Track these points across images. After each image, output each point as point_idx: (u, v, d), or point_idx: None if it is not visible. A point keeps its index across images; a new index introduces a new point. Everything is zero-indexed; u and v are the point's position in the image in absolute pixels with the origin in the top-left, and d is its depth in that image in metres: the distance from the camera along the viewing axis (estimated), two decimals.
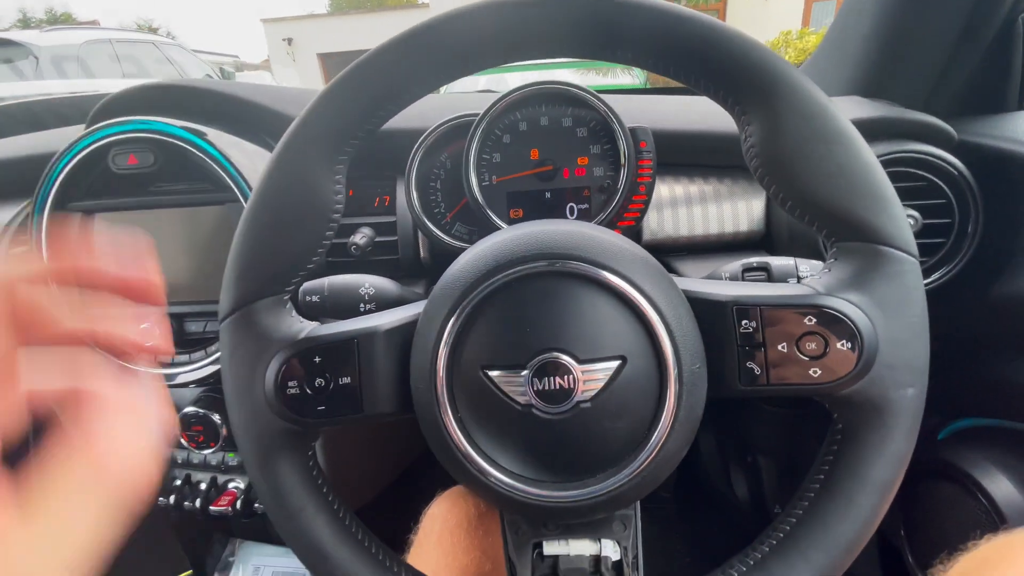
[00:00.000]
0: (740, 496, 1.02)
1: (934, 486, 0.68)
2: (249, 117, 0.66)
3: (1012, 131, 0.60)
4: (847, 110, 0.64)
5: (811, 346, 0.33)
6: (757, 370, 0.34)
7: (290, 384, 0.35)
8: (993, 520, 0.59)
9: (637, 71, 2.89)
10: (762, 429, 0.96)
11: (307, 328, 0.37)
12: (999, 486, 0.60)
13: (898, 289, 0.33)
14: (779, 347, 0.33)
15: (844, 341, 0.32)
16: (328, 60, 13.85)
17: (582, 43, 0.34)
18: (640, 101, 0.72)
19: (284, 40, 14.00)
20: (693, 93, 0.39)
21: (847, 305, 0.32)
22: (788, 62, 0.33)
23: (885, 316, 0.32)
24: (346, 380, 0.35)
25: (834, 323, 0.32)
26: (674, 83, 0.37)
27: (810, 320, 0.33)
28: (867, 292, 0.32)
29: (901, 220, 0.33)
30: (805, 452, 0.89)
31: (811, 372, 0.33)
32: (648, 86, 2.41)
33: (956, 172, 0.58)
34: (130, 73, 4.78)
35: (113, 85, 0.63)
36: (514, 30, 0.34)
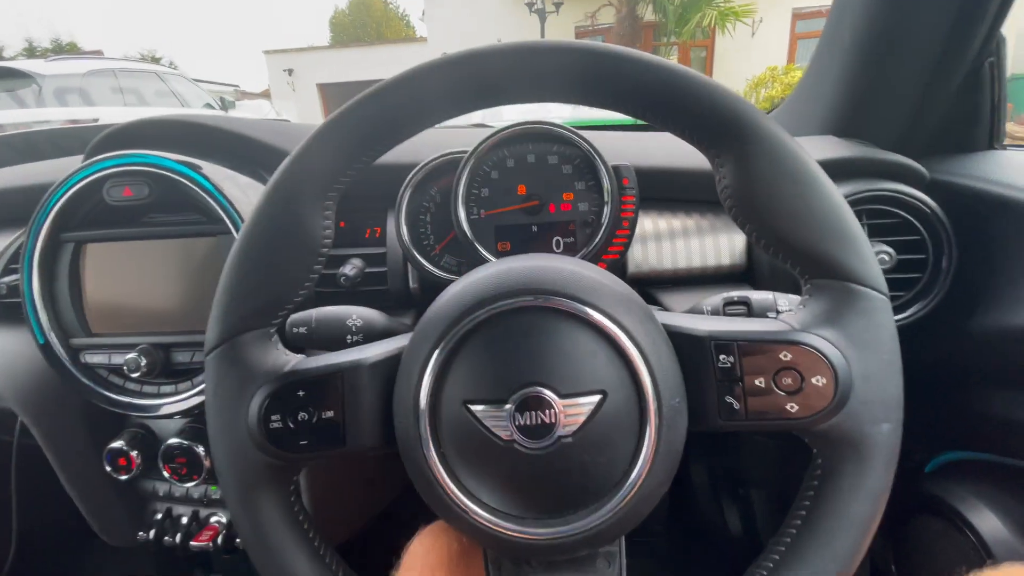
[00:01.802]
0: (733, 529, 1.00)
1: (923, 521, 0.67)
2: (244, 151, 0.67)
3: (982, 170, 0.63)
4: (821, 150, 0.66)
5: (787, 381, 0.33)
6: (736, 404, 0.34)
7: (273, 418, 0.35)
8: (980, 555, 0.59)
9: None
10: (754, 462, 0.96)
11: (292, 361, 0.37)
12: (986, 521, 0.60)
13: (869, 325, 0.33)
14: (756, 381, 0.34)
15: (819, 376, 0.33)
16: (327, 90, 14.12)
17: (560, 89, 0.36)
18: (624, 138, 0.74)
19: (285, 71, 14.29)
20: None
21: (821, 341, 0.33)
22: (756, 108, 0.34)
23: (858, 352, 0.33)
24: (329, 414, 0.35)
25: (809, 359, 0.33)
26: None
27: (785, 355, 0.33)
28: (840, 328, 0.33)
29: (870, 258, 0.34)
30: (797, 485, 0.89)
31: (788, 407, 0.33)
32: (637, 120, 2.47)
33: (929, 210, 0.60)
34: (131, 103, 4.84)
35: (113, 114, 0.65)
36: (496, 77, 0.35)
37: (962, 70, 0.65)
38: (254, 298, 0.36)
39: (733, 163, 0.34)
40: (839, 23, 0.70)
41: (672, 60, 0.35)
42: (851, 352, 0.33)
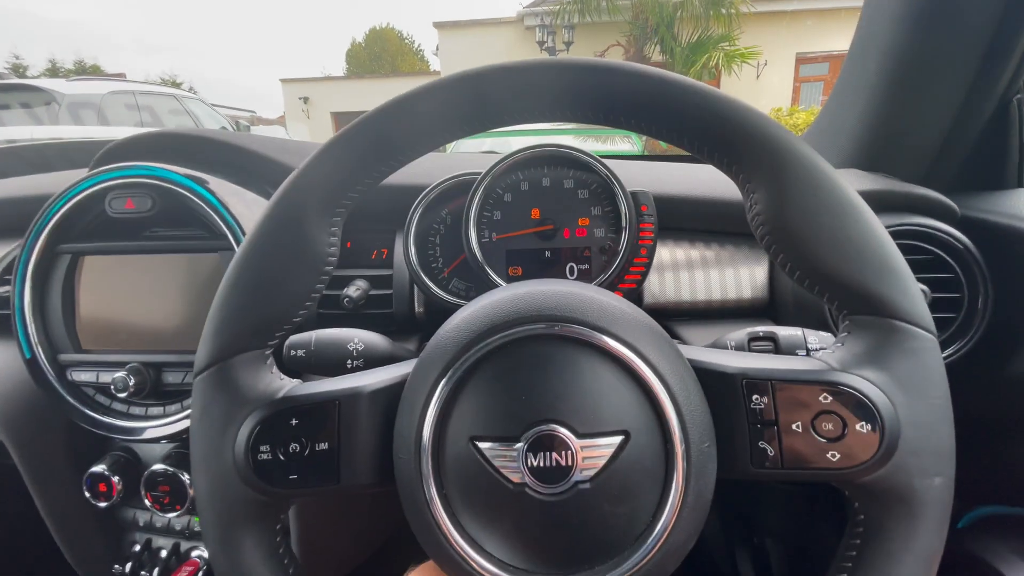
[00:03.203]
0: None
1: None
2: (252, 167, 0.66)
3: (1013, 208, 0.60)
4: (848, 183, 0.64)
5: (828, 426, 0.30)
6: (770, 451, 0.31)
7: (262, 448, 0.32)
8: None
9: (635, 139, 3.01)
10: (770, 509, 0.92)
11: (286, 387, 0.34)
12: None
13: (918, 367, 0.31)
14: (793, 426, 0.31)
15: (863, 423, 0.30)
16: (341, 118, 14.48)
17: (587, 109, 0.34)
18: (641, 166, 0.73)
19: (300, 99, 14.70)
20: (691, 161, 0.39)
21: (864, 383, 0.30)
22: (793, 133, 0.33)
23: (906, 396, 0.30)
24: (323, 446, 0.33)
25: (852, 402, 0.30)
26: (670, 152, 0.36)
27: (825, 398, 0.30)
28: (885, 370, 0.30)
29: (916, 294, 0.31)
30: (817, 535, 0.84)
31: (829, 455, 0.30)
32: (644, 153, 2.49)
33: (962, 246, 0.57)
34: (146, 123, 4.95)
35: (126, 133, 0.64)
36: (517, 95, 0.33)
37: (990, 107, 0.64)
38: (250, 317, 0.34)
39: (767, 189, 0.32)
40: (864, 56, 0.70)
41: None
42: (898, 396, 0.30)
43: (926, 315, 0.31)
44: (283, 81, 15.10)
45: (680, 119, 0.33)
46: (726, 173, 0.34)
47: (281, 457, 0.32)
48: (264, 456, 0.32)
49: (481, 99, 0.33)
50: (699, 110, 0.32)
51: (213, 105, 6.69)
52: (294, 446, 0.32)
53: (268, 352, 0.36)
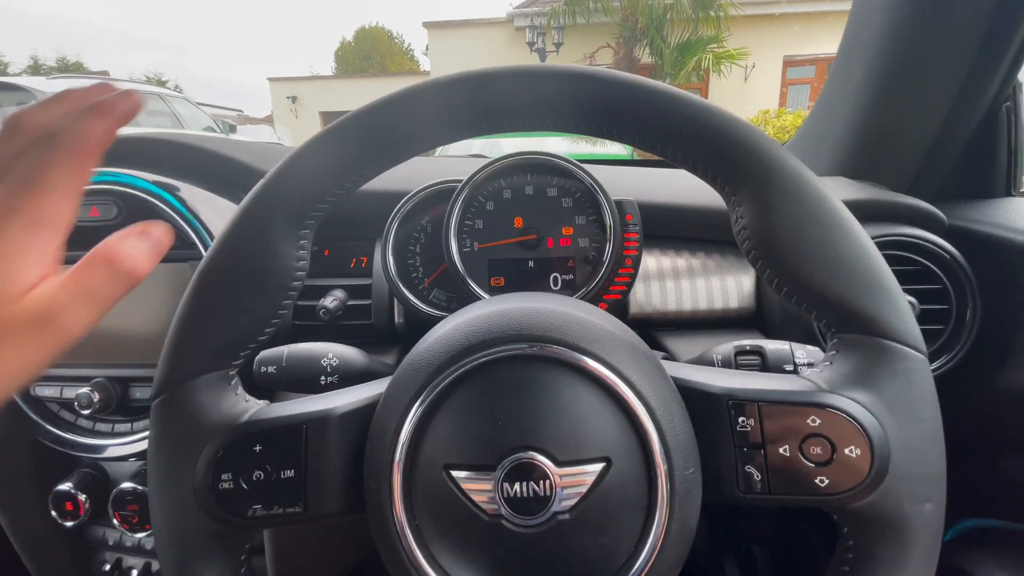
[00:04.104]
0: None
1: None
2: (224, 173, 0.64)
3: (1002, 217, 0.60)
4: (834, 192, 0.63)
5: (816, 450, 0.29)
6: (757, 475, 0.30)
7: (224, 477, 0.31)
8: None
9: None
10: (757, 516, 0.91)
11: (251, 409, 0.33)
12: None
13: (908, 389, 0.30)
14: (780, 450, 0.30)
15: (853, 447, 0.29)
16: (329, 117, 14.22)
17: (569, 118, 0.33)
18: (626, 173, 0.72)
19: (288, 98, 14.54)
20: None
21: (854, 405, 0.29)
22: (779, 144, 0.32)
23: (896, 419, 0.29)
24: (289, 473, 0.31)
25: (840, 425, 0.29)
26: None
27: (814, 420, 0.29)
28: (874, 391, 0.29)
29: (906, 313, 0.30)
30: (804, 541, 0.84)
31: (817, 481, 0.29)
32: (634, 157, 2.50)
33: (949, 257, 0.56)
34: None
35: None
36: (500, 100, 0.32)
37: (978, 114, 0.64)
38: (211, 337, 0.32)
39: (753, 202, 0.31)
40: (851, 62, 0.69)
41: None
42: (888, 419, 0.29)
43: (916, 334, 0.30)
44: (271, 80, 14.94)
45: (662, 130, 0.32)
46: (712, 185, 0.33)
47: (244, 485, 0.31)
48: (226, 484, 0.31)
49: (478, 102, 0.32)
50: (684, 120, 0.31)
51: (199, 104, 6.59)
52: (258, 473, 0.31)
53: (232, 372, 0.34)
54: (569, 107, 0.32)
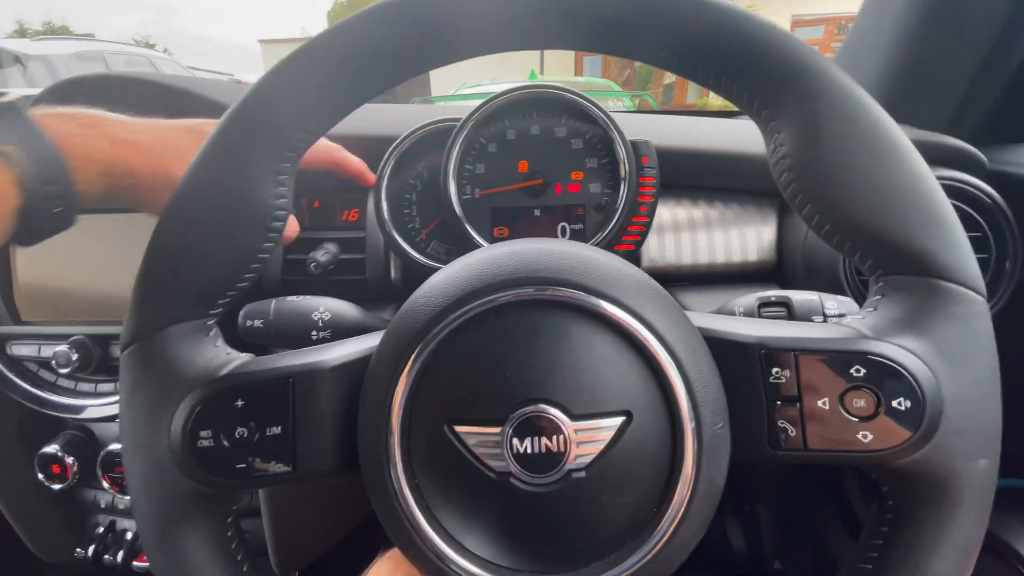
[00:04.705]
0: (737, 549, 0.95)
1: None
2: (193, 111, 0.59)
3: None
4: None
5: (859, 403, 0.27)
6: (791, 431, 0.28)
7: (203, 434, 0.28)
8: None
9: (627, 101, 2.93)
10: (761, 475, 0.90)
11: (233, 362, 0.30)
12: None
13: (965, 335, 0.27)
14: (819, 403, 0.27)
15: (901, 399, 0.26)
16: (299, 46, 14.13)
17: (584, 32, 0.29)
18: (639, 118, 0.67)
19: None
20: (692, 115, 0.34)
21: (903, 353, 0.26)
22: (827, 59, 0.27)
23: (951, 368, 0.26)
24: (276, 430, 0.29)
25: (888, 375, 0.26)
26: (665, 108, 0.31)
27: (857, 371, 0.27)
28: (927, 338, 0.27)
29: (966, 250, 0.27)
30: (808, 502, 0.83)
31: (860, 436, 0.27)
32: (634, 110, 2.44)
33: (991, 202, 0.53)
34: None
35: None
36: (510, 11, 0.28)
37: (1018, 55, 0.59)
38: (184, 282, 0.29)
39: (796, 126, 0.28)
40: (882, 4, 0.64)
41: None
42: (942, 368, 0.26)
43: (976, 273, 0.27)
44: (262, 42, 14.58)
45: (689, 42, 0.28)
46: (744, 109, 0.30)
47: (225, 443, 0.29)
48: (206, 442, 0.28)
49: (467, 16, 0.29)
50: (711, 28, 0.27)
51: (190, 68, 6.42)
52: (241, 431, 0.29)
53: (211, 323, 0.31)
54: (578, 21, 0.28)
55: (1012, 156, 0.59)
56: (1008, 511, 0.59)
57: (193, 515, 0.30)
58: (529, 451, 0.26)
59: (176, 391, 0.29)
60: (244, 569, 0.31)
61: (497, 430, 0.26)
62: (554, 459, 0.26)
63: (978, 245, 0.53)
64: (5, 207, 0.33)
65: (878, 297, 0.29)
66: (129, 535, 0.67)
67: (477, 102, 0.55)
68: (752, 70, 0.28)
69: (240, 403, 0.29)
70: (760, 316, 0.39)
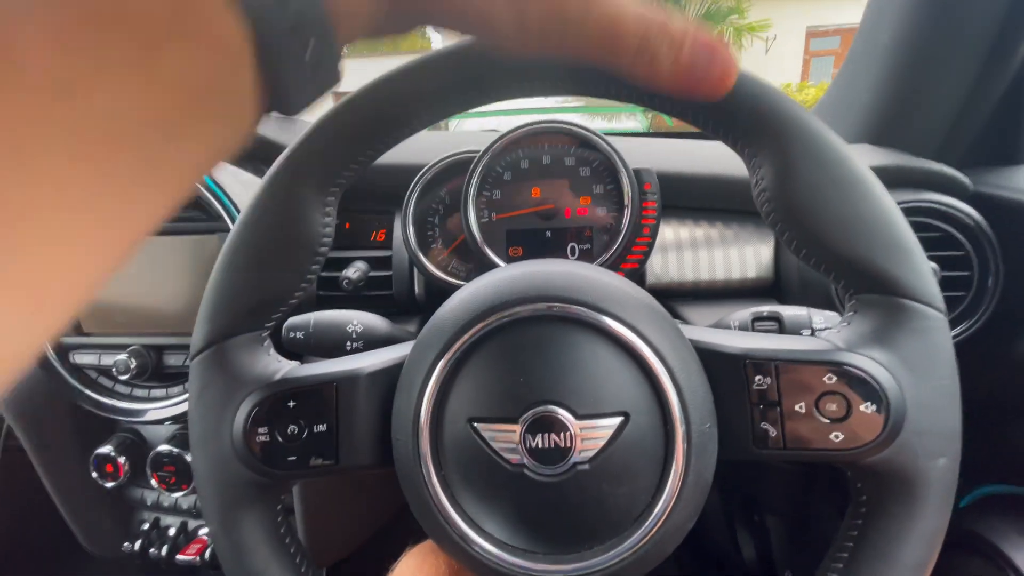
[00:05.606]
0: (747, 559, 0.96)
1: (958, 558, 0.63)
2: (247, 146, 0.65)
3: None
4: (858, 158, 0.63)
5: (832, 407, 0.30)
6: (772, 432, 0.31)
7: (260, 431, 0.32)
8: None
9: (641, 117, 2.95)
10: (770, 487, 0.91)
11: (284, 368, 0.34)
12: None
13: (925, 347, 0.30)
14: (796, 407, 0.30)
15: (869, 403, 0.29)
16: (343, 98, 14.32)
17: (586, 81, 0.32)
18: (645, 143, 0.71)
19: None
20: (699, 138, 0.37)
21: (870, 363, 0.30)
22: (801, 105, 0.31)
23: (913, 377, 0.29)
24: (321, 428, 0.33)
25: (857, 382, 0.29)
26: (677, 129, 0.35)
27: (830, 378, 0.30)
28: (891, 350, 0.30)
29: (925, 272, 0.30)
30: (818, 512, 0.84)
31: (832, 436, 0.30)
32: (650, 131, 2.46)
33: (973, 223, 0.56)
34: None
35: None
36: (523, 62, 0.31)
37: (1005, 79, 0.62)
38: (245, 299, 0.34)
39: (772, 163, 0.31)
40: (876, 26, 0.67)
41: None
42: (904, 376, 0.29)
43: (935, 293, 0.30)
44: None
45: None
46: (731, 147, 0.33)
47: (279, 439, 0.32)
48: (262, 438, 0.32)
49: (487, 67, 0.32)
50: None
51: None
52: (292, 428, 0.32)
53: (265, 334, 0.35)
54: (582, 69, 0.31)
55: (994, 179, 0.61)
56: (996, 515, 0.61)
57: (250, 501, 0.33)
58: (540, 446, 0.29)
59: (238, 393, 0.33)
60: (292, 551, 0.35)
61: (513, 427, 0.29)
62: (562, 453, 0.29)
63: (960, 264, 0.56)
64: (242, 69, 0.19)
65: (851, 313, 0.32)
66: (172, 531, 0.71)
67: (494, 134, 0.60)
68: (737, 117, 0.31)
69: (291, 404, 0.32)
70: (754, 329, 0.42)
